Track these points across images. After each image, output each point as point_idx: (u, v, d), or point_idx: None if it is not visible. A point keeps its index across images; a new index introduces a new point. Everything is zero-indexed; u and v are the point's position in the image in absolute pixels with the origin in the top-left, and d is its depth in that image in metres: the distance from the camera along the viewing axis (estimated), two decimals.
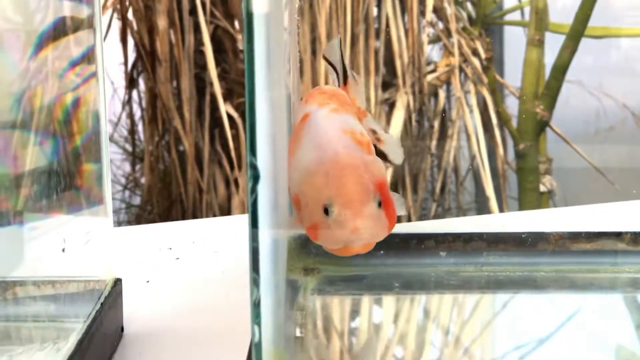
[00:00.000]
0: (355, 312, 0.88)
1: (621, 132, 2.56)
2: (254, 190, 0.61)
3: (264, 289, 0.62)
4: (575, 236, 0.95)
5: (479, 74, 2.39)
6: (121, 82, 2.69)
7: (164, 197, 2.59)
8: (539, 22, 2.06)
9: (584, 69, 2.63)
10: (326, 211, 0.70)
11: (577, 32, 1.93)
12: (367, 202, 0.70)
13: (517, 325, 0.87)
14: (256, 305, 0.62)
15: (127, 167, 2.81)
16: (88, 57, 0.88)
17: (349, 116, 0.79)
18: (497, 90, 2.16)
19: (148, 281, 1.04)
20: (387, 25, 2.44)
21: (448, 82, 2.58)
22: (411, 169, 2.49)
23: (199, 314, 0.95)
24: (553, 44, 2.07)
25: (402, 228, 1.06)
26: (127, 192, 2.79)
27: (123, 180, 2.79)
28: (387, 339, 0.83)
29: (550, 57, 2.09)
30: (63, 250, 0.75)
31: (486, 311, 0.91)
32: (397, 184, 2.51)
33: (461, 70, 2.54)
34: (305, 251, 0.95)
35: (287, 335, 0.75)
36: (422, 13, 2.49)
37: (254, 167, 0.61)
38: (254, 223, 0.62)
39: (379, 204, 0.71)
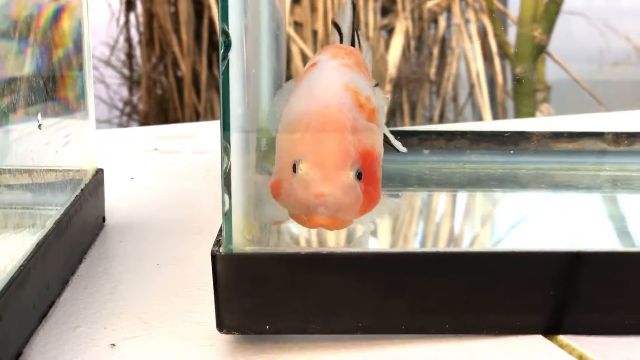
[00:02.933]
0: None
1: (625, 68, 2.55)
2: (225, 57, 0.61)
3: (235, 158, 0.63)
4: (558, 136, 0.95)
5: (480, 1, 2.38)
6: (119, 6, 2.67)
7: (161, 121, 2.59)
8: None
9: (591, 3, 2.61)
10: (295, 168, 0.62)
11: None
12: (342, 168, 0.61)
13: (495, 219, 0.88)
14: (226, 174, 0.62)
15: (125, 92, 2.80)
16: None
17: (361, 77, 0.69)
18: (495, 14, 2.14)
19: (132, 178, 1.04)
20: None
21: (448, 9, 2.56)
22: (409, 96, 2.48)
23: (181, 208, 0.96)
24: None
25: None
26: (124, 118, 2.79)
27: (121, 105, 2.79)
28: (369, 232, 0.84)
29: None
30: (39, 127, 0.75)
31: (464, 206, 0.91)
32: (395, 112, 2.51)
33: None
34: None
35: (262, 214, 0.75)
36: None
37: (225, 34, 0.61)
38: (225, 91, 0.62)
39: (359, 176, 0.62)
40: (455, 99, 2.53)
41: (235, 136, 0.62)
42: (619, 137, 0.95)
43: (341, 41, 0.77)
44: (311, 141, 0.62)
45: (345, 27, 0.78)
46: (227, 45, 0.61)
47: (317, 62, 0.70)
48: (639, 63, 2.53)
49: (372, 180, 0.64)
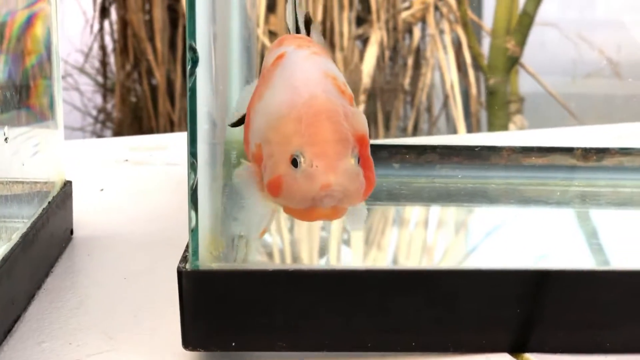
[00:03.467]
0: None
1: (598, 80, 2.57)
2: (192, 73, 0.61)
3: (202, 174, 0.62)
4: (528, 151, 0.95)
5: (454, 12, 2.39)
6: (93, 13, 2.66)
7: (135, 129, 2.58)
8: None
9: (564, 15, 2.63)
10: (295, 162, 0.59)
11: None
12: (344, 156, 0.60)
13: (464, 235, 0.88)
14: (193, 190, 0.62)
15: (99, 100, 2.78)
16: None
17: (332, 63, 0.68)
18: (469, 26, 2.15)
19: (102, 189, 1.04)
20: None
21: (423, 20, 2.57)
22: (384, 106, 2.48)
23: (150, 220, 0.95)
24: None
25: None
26: (98, 125, 2.77)
27: (94, 113, 2.77)
28: (336, 245, 0.84)
29: None
30: (5, 140, 0.74)
31: (433, 221, 0.91)
32: (369, 122, 2.51)
33: (437, 8, 2.53)
34: None
35: (229, 229, 0.75)
36: None
37: (193, 50, 0.61)
38: (192, 107, 0.61)
39: (357, 162, 0.61)
40: (429, 109, 2.53)
41: (202, 152, 0.62)
42: (588, 153, 0.95)
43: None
44: (308, 133, 0.60)
45: (291, 22, 0.77)
46: (195, 61, 0.61)
47: (284, 54, 0.67)
48: (612, 75, 2.56)
49: (368, 164, 0.63)
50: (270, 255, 0.80)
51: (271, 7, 2.40)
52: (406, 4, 2.53)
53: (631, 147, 0.95)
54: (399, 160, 0.96)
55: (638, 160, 0.95)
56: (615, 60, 2.62)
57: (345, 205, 0.61)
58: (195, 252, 0.63)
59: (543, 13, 2.53)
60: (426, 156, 0.96)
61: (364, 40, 2.49)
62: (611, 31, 2.68)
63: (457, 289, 0.65)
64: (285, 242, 0.84)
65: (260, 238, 0.70)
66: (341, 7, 2.39)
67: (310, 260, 0.79)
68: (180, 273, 0.63)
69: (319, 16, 2.37)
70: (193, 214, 0.62)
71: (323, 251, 0.81)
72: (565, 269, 0.67)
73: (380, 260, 0.80)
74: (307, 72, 0.64)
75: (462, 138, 1.53)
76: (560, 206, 0.92)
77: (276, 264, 0.73)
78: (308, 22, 0.74)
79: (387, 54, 2.45)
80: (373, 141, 0.99)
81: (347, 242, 0.83)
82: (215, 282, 0.63)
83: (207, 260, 0.63)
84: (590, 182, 0.94)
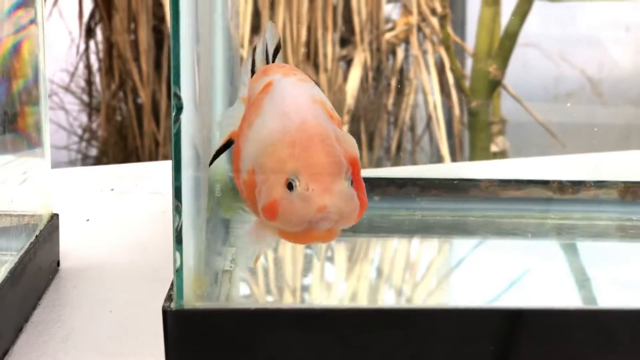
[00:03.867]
0: (283, 250, 0.90)
1: (579, 99, 2.60)
2: (177, 120, 0.63)
3: (186, 216, 0.64)
4: (505, 183, 0.98)
5: (437, 33, 2.41)
6: (79, 32, 2.67)
7: (120, 149, 2.59)
8: None
9: (546, 34, 2.66)
10: (290, 186, 0.61)
11: None
12: (339, 178, 0.61)
13: (444, 267, 0.90)
14: (178, 232, 0.64)
15: (84, 119, 2.80)
16: (27, 1, 0.89)
17: (318, 89, 0.69)
18: (451, 48, 2.18)
19: (88, 219, 1.05)
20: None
21: (407, 41, 2.60)
22: (367, 126, 2.51)
23: (135, 250, 0.97)
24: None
25: None
26: (83, 144, 2.79)
27: (80, 132, 2.79)
28: (316, 278, 0.86)
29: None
30: None
31: (414, 254, 0.94)
32: None
33: (419, 29, 2.56)
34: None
35: (213, 265, 0.77)
36: None
37: (177, 97, 0.63)
38: (177, 152, 0.63)
39: (351, 184, 0.63)
40: (412, 129, 2.56)
41: (186, 195, 0.64)
42: (564, 186, 0.98)
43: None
44: (302, 156, 0.61)
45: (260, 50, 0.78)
46: (179, 108, 0.63)
47: (271, 83, 0.68)
48: (593, 95, 2.59)
49: (359, 186, 0.65)
50: (255, 286, 0.82)
51: (255, 29, 2.42)
52: (389, 25, 2.56)
53: (606, 179, 0.97)
54: (379, 193, 0.98)
55: (613, 193, 0.97)
56: (597, 78, 2.65)
57: (340, 227, 0.63)
58: (180, 292, 0.65)
59: (524, 31, 2.56)
60: (407, 189, 0.98)
61: (348, 62, 2.52)
62: (592, 49, 2.72)
63: (431, 328, 0.67)
64: (270, 275, 0.86)
65: (254, 266, 0.72)
66: (325, 28, 2.42)
67: (294, 295, 0.81)
68: (165, 312, 0.64)
69: (303, 37, 2.40)
70: (178, 255, 0.64)
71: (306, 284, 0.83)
72: (539, 307, 0.69)
73: (361, 294, 0.82)
74: (297, 98, 0.66)
75: (442, 169, 1.56)
76: (537, 238, 0.94)
77: (258, 302, 0.75)
78: (277, 50, 0.76)
79: (370, 75, 2.47)
80: None
81: (325, 277, 0.86)
82: (200, 321, 0.65)
83: (192, 300, 0.65)
84: (567, 214, 0.97)
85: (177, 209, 0.64)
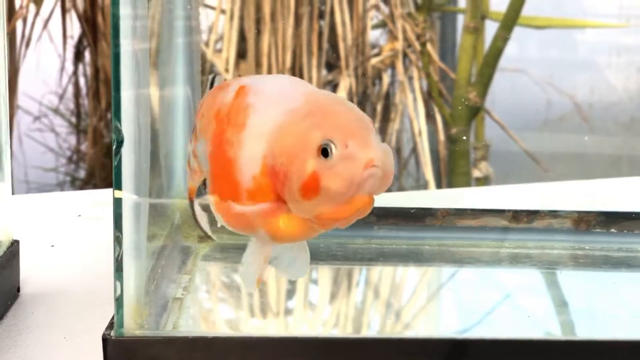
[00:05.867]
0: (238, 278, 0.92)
1: (571, 123, 2.62)
2: (117, 153, 0.65)
3: (126, 247, 0.66)
4: (461, 213, 0.99)
5: (422, 60, 2.44)
6: (68, 55, 2.70)
7: (107, 171, 2.61)
8: (475, 9, 2.10)
9: (536, 59, 2.68)
10: (325, 152, 0.56)
11: (510, 21, 1.97)
12: (372, 133, 0.57)
13: (398, 296, 0.92)
14: (118, 262, 0.66)
15: (73, 140, 2.82)
16: None
17: None
18: (432, 74, 2.20)
19: (53, 245, 1.07)
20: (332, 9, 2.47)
21: (393, 67, 2.62)
22: None
23: (97, 277, 0.98)
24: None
25: None
26: (72, 166, 2.81)
27: (68, 153, 2.81)
28: (269, 306, 0.87)
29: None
30: None
31: (369, 282, 0.95)
32: None
33: (405, 55, 2.59)
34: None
35: (165, 293, 0.79)
36: None
37: (118, 131, 0.64)
38: (118, 184, 0.65)
39: None
40: (398, 152, 2.58)
41: (127, 226, 0.66)
42: (519, 215, 0.99)
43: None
44: (327, 120, 0.57)
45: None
46: (120, 142, 0.64)
47: (244, 87, 0.63)
48: (582, 119, 2.61)
49: None
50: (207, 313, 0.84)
51: (242, 54, 2.45)
52: (376, 51, 2.59)
53: (560, 209, 0.99)
54: None
55: (566, 222, 0.99)
56: (589, 102, 2.67)
57: (381, 190, 0.58)
58: (120, 320, 0.66)
59: (515, 54, 2.58)
60: (365, 217, 0.99)
61: (334, 86, 2.54)
62: (584, 73, 2.74)
63: (375, 358, 0.69)
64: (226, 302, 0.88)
65: (257, 288, 0.68)
66: (310, 53, 2.44)
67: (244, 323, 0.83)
68: (105, 340, 0.66)
69: (288, 62, 2.42)
70: (118, 284, 0.66)
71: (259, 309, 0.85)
72: (484, 338, 0.71)
73: (310, 322, 0.83)
74: (286, 80, 0.63)
75: (401, 197, 1.57)
76: (491, 266, 0.96)
77: (198, 330, 0.76)
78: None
79: (355, 99, 2.50)
80: None
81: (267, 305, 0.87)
82: (139, 349, 0.66)
83: (132, 328, 0.67)
84: (521, 243, 0.98)
85: (118, 239, 0.65)
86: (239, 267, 0.65)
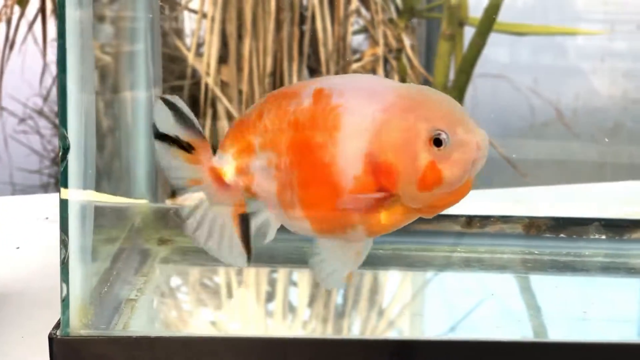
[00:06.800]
0: (194, 280, 0.94)
1: (555, 128, 2.64)
2: (64, 159, 0.67)
3: (72, 249, 0.68)
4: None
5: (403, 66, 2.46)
6: (52, 57, 2.72)
7: None
8: (451, 17, 2.12)
9: (519, 65, 2.70)
10: (438, 142, 0.59)
11: (485, 28, 2.00)
12: (465, 114, 0.60)
13: (353, 299, 0.94)
14: (64, 264, 0.68)
15: (57, 142, 2.84)
16: None
17: None
18: (406, 81, 2.22)
19: (18, 247, 1.09)
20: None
21: (374, 71, 2.65)
22: None
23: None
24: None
25: None
26: (55, 168, 2.83)
27: (52, 155, 2.82)
28: (223, 308, 0.89)
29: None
30: None
31: (314, 287, 0.97)
32: None
33: (386, 60, 2.61)
34: (162, 223, 1.01)
35: (118, 294, 0.81)
36: (349, 2, 2.55)
37: (64, 138, 0.67)
38: (65, 187, 0.67)
39: None
40: None
41: (73, 230, 0.68)
42: (472, 220, 1.02)
43: None
44: (429, 111, 0.59)
45: None
46: (66, 148, 0.67)
47: (322, 89, 0.63)
48: (564, 125, 2.62)
49: None
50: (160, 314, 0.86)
51: (224, 59, 2.47)
52: (357, 56, 2.61)
53: (511, 214, 1.02)
54: None
55: (517, 227, 1.01)
56: (573, 107, 2.69)
57: (476, 171, 0.61)
58: (66, 320, 0.69)
59: (499, 58, 2.61)
60: None
61: None
62: (569, 79, 2.76)
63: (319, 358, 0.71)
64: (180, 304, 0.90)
65: (347, 283, 0.69)
66: (290, 58, 2.46)
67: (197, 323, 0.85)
68: (52, 339, 0.68)
69: (269, 67, 2.44)
70: (64, 285, 0.68)
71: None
72: (428, 339, 0.73)
73: (254, 323, 0.86)
74: (367, 79, 0.65)
75: None
76: (443, 270, 0.98)
77: (141, 330, 0.78)
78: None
79: None
80: None
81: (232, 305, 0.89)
82: (83, 348, 0.69)
83: (77, 328, 0.69)
84: (473, 247, 1.01)
85: (64, 242, 0.68)
86: (322, 264, 0.66)
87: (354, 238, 0.65)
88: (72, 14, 0.65)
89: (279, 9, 2.44)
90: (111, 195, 0.92)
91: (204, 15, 2.47)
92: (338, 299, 0.93)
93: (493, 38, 2.25)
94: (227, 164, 0.66)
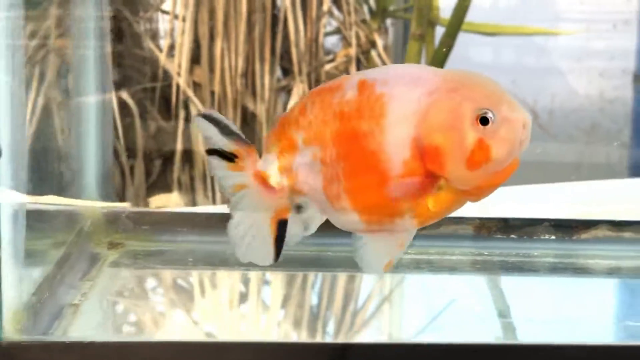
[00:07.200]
0: (142, 285, 0.94)
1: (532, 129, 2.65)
2: None
3: (5, 254, 0.68)
4: None
5: (375, 66, 2.47)
6: None
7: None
8: (420, 17, 2.12)
9: (498, 66, 2.71)
10: (484, 120, 0.59)
11: (454, 28, 2.00)
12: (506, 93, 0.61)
13: (304, 302, 0.94)
14: None
15: None
16: None
17: None
18: None
19: None
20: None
21: (347, 72, 2.65)
22: None
23: None
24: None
25: (206, 208, 1.12)
26: None
27: None
28: (171, 310, 0.89)
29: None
30: None
31: (275, 287, 0.98)
32: None
33: (359, 61, 2.61)
34: (114, 227, 1.01)
35: (63, 301, 0.81)
36: (322, 3, 2.55)
37: None
38: None
39: None
40: None
41: (5, 235, 0.68)
42: None
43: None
44: (472, 91, 0.60)
45: None
46: None
47: (365, 80, 0.63)
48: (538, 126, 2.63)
49: None
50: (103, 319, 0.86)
51: (196, 59, 2.47)
52: (330, 57, 2.61)
53: (463, 216, 1.02)
54: None
55: (468, 229, 1.01)
56: (549, 108, 2.70)
57: (521, 151, 0.61)
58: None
59: (476, 58, 2.61)
60: None
61: (288, 92, 2.56)
62: (546, 78, 2.77)
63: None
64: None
65: (386, 272, 0.68)
66: (262, 59, 2.46)
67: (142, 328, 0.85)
68: None
69: (240, 68, 2.45)
70: None
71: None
72: (364, 342, 0.73)
73: (194, 328, 0.86)
74: (408, 68, 0.64)
75: None
76: (394, 273, 0.99)
77: (74, 335, 0.78)
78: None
79: None
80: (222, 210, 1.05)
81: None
82: (17, 354, 0.68)
83: (11, 333, 0.69)
84: (423, 249, 1.01)
85: None
86: (361, 251, 0.67)
87: (402, 228, 0.65)
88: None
89: (250, 11, 2.44)
90: (57, 197, 0.92)
91: (176, 17, 2.46)
92: (274, 302, 0.94)
93: (472, 39, 2.26)
94: (271, 165, 0.67)
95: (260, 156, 0.66)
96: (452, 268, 0.99)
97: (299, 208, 0.67)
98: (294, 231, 0.69)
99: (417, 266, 0.99)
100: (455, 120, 0.60)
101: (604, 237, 1.00)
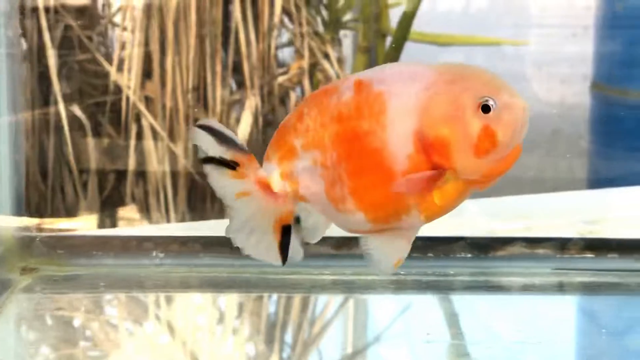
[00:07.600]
0: (51, 310, 0.93)
1: None
2: None
3: None
4: None
5: (329, 77, 2.47)
6: None
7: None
8: (367, 30, 2.14)
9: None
10: (486, 108, 0.60)
11: (400, 40, 2.01)
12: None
13: (222, 323, 0.94)
14: None
15: None
16: None
17: None
18: None
19: None
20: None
21: (300, 84, 2.65)
22: None
23: None
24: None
25: (123, 231, 1.12)
26: None
27: None
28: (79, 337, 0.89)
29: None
30: None
31: (186, 309, 0.97)
32: None
33: (312, 74, 2.61)
34: (28, 251, 1.00)
35: None
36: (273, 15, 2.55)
37: None
38: None
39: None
40: None
41: None
42: (342, 242, 1.02)
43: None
44: (478, 79, 0.61)
45: None
46: None
47: (360, 80, 0.64)
48: None
49: None
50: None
51: (148, 74, 2.46)
52: (283, 69, 2.61)
53: None
54: (163, 250, 1.02)
55: None
56: None
57: (523, 136, 0.62)
58: None
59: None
60: (188, 246, 1.02)
61: (242, 104, 2.56)
62: (513, 84, 2.77)
63: None
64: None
65: (395, 269, 0.67)
66: (213, 73, 2.46)
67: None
68: None
69: (191, 82, 2.44)
70: None
71: None
72: None
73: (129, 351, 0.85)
74: (404, 66, 0.65)
75: None
76: (309, 293, 0.99)
77: None
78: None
79: (260, 119, 2.52)
80: (138, 233, 1.05)
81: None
82: None
83: None
84: (340, 270, 1.01)
85: None
86: (370, 252, 0.66)
87: (408, 225, 0.65)
88: None
89: (200, 23, 2.44)
90: None
91: (125, 29, 2.45)
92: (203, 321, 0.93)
93: (445, 49, 2.26)
94: (272, 172, 0.66)
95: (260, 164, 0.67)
96: (368, 288, 0.99)
97: (297, 220, 0.67)
98: (296, 249, 0.68)
99: (334, 286, 0.99)
100: (457, 110, 0.61)
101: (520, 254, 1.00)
